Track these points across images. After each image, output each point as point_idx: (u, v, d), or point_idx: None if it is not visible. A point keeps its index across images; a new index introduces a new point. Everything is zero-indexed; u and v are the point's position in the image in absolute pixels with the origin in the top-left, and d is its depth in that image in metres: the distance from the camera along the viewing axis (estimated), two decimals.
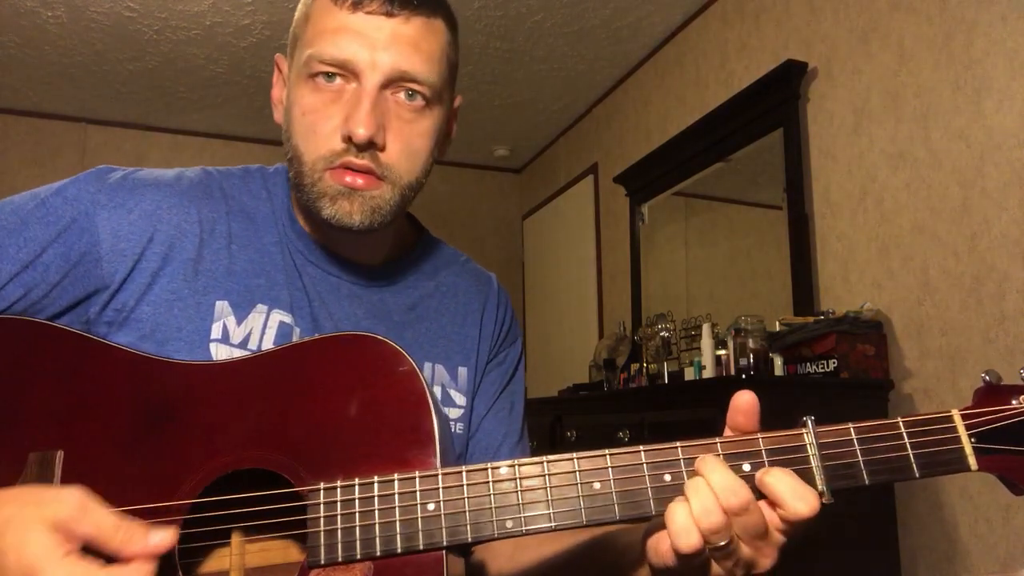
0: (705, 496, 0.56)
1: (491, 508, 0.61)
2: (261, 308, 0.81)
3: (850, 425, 0.61)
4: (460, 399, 0.90)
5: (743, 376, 2.22)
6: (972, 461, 0.59)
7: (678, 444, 0.61)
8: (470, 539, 0.61)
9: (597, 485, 0.60)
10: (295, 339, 0.81)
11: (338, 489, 0.62)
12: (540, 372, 4.55)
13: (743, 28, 3.01)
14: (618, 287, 3.85)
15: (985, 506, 1.94)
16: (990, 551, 1.92)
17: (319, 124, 0.78)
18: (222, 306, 0.80)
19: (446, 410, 0.88)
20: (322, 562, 0.61)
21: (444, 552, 0.61)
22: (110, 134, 4.41)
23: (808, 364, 2.24)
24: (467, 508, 0.61)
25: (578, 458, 0.61)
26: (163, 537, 0.56)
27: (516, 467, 0.61)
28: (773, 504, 0.58)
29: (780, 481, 0.57)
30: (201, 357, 0.77)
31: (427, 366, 0.88)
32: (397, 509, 0.61)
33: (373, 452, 0.65)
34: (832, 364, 2.16)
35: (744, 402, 0.62)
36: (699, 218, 3.44)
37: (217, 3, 3.27)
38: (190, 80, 3.95)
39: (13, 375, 0.68)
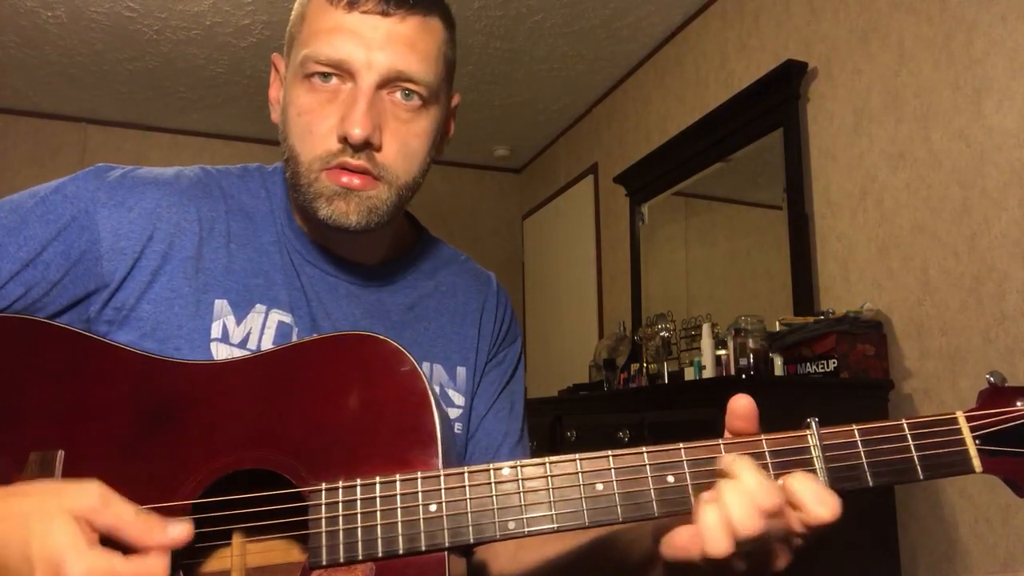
0: (744, 499, 0.55)
1: (493, 509, 0.60)
2: (260, 308, 0.81)
3: (854, 427, 0.61)
4: (459, 399, 0.90)
5: (743, 376, 2.22)
6: (976, 463, 0.59)
7: (681, 446, 0.61)
8: (472, 540, 0.61)
9: (600, 486, 0.60)
10: (294, 339, 0.81)
11: (340, 490, 0.62)
12: (540, 372, 4.55)
13: (743, 28, 3.01)
14: (618, 287, 3.85)
15: (985, 506, 1.94)
16: (990, 551, 1.92)
17: (315, 124, 0.78)
18: (221, 305, 0.80)
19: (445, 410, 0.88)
20: (324, 563, 0.61)
21: (446, 553, 0.61)
22: (110, 134, 4.41)
23: (808, 364, 2.24)
24: (469, 509, 0.60)
25: (581, 459, 0.61)
26: (181, 530, 0.58)
27: (518, 468, 0.61)
28: (794, 507, 0.57)
29: (803, 485, 0.57)
30: (202, 356, 0.77)
31: (425, 366, 0.88)
32: (399, 510, 0.61)
33: (374, 452, 0.65)
34: (832, 364, 2.16)
35: (741, 406, 0.61)
36: (699, 218, 3.44)
37: (217, 3, 3.27)
38: (190, 80, 3.94)
39: (13, 374, 0.68)
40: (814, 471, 0.59)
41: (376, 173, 0.78)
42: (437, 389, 0.89)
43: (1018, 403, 0.60)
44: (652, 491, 0.60)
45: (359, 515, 0.61)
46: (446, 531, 0.60)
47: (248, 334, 0.80)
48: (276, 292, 0.83)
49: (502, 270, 4.75)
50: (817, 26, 2.61)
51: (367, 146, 0.76)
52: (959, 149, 2.07)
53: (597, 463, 0.61)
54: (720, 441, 0.61)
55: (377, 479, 0.62)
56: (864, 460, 0.59)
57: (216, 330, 0.78)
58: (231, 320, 0.79)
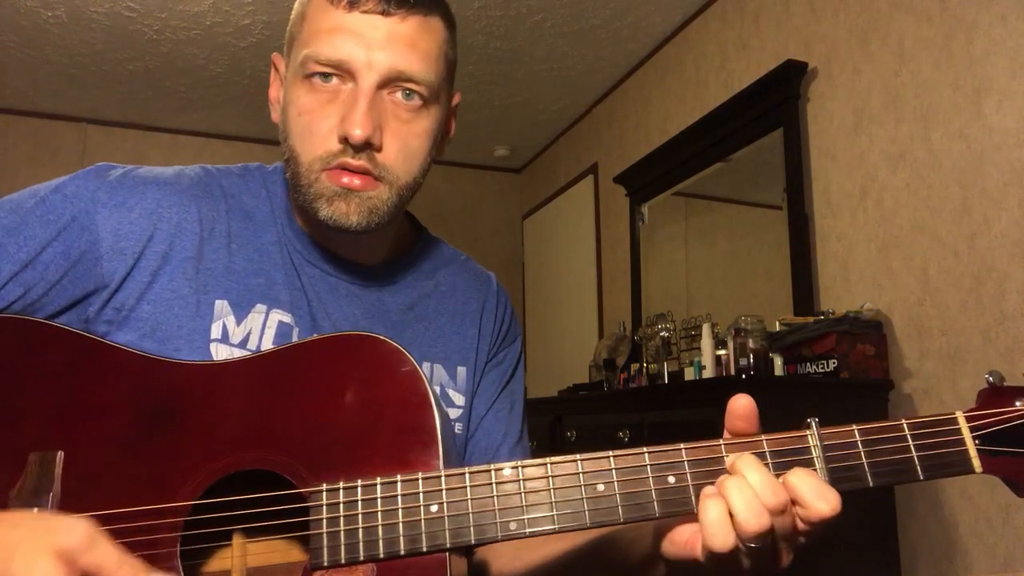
0: (748, 495, 0.56)
1: (495, 510, 0.60)
2: (260, 308, 0.81)
3: (854, 427, 0.61)
4: (459, 399, 0.90)
5: (743, 376, 2.22)
6: (976, 463, 0.59)
7: (682, 446, 0.60)
8: (473, 541, 0.61)
9: (601, 487, 0.60)
10: (294, 339, 0.81)
11: (341, 490, 0.62)
12: (540, 372, 4.55)
13: (743, 28, 3.01)
14: (618, 287, 3.85)
15: (985, 506, 1.94)
16: (990, 551, 1.92)
17: (315, 125, 0.77)
18: (221, 305, 0.80)
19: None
20: (325, 563, 0.61)
21: (448, 553, 0.61)
22: (110, 134, 4.41)
23: (808, 364, 2.24)
24: (470, 510, 0.60)
25: (582, 459, 0.61)
26: None
27: (520, 468, 0.61)
28: (793, 503, 0.58)
29: (803, 480, 0.57)
30: (201, 356, 0.76)
31: (425, 366, 0.88)
32: (400, 511, 0.61)
33: (375, 453, 0.64)
34: (832, 364, 2.16)
35: (741, 407, 0.61)
36: (699, 218, 3.44)
37: (217, 3, 3.26)
38: (190, 80, 3.94)
39: (13, 375, 0.67)
40: (814, 471, 0.59)
41: (377, 173, 0.78)
42: (437, 389, 0.88)
43: (1018, 403, 0.60)
44: (653, 491, 0.60)
45: (360, 516, 0.61)
46: (447, 532, 0.60)
47: (248, 334, 0.79)
48: (277, 292, 0.82)
49: (502, 270, 4.75)
50: (817, 26, 2.61)
51: (368, 146, 0.76)
52: (959, 149, 2.07)
53: (598, 463, 0.61)
54: (721, 441, 0.61)
55: (378, 479, 0.62)
56: (864, 460, 0.60)
57: (216, 331, 0.78)
58: (231, 320, 0.79)
